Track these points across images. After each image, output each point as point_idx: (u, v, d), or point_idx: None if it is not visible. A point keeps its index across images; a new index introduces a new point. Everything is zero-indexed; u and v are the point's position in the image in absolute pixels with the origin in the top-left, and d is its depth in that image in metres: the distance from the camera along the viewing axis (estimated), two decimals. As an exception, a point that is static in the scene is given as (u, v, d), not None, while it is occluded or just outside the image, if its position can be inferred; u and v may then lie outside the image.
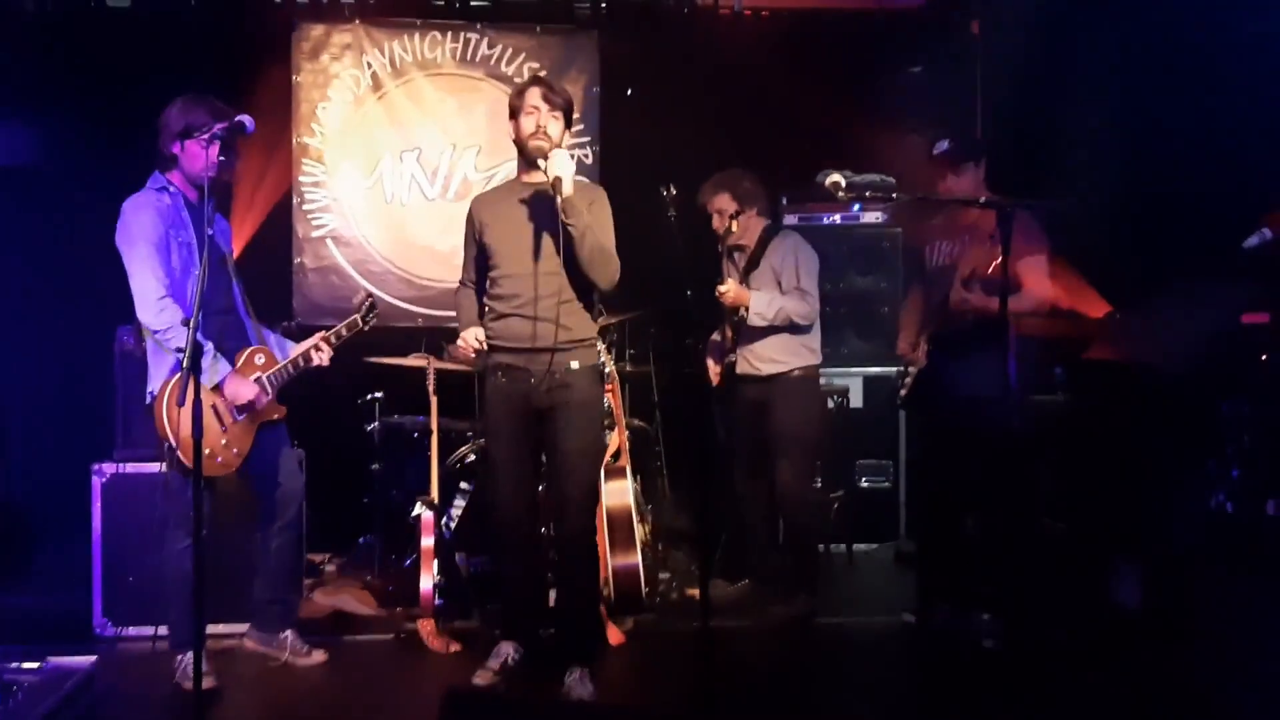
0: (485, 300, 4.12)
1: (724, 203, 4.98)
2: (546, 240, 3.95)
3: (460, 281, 4.26)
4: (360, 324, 4.31)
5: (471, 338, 3.98)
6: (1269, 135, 4.19)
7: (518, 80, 6.47)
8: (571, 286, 3.98)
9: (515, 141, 4.07)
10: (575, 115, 6.50)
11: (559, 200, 3.80)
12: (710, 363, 5.07)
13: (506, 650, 4.11)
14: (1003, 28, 6.52)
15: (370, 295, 4.43)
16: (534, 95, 3.98)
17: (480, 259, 4.12)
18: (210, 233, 3.50)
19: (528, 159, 4.03)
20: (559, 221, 3.85)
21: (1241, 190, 4.04)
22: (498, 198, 4.16)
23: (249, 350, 4.17)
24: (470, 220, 4.15)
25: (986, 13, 6.69)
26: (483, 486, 5.03)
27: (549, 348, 3.94)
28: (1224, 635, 3.35)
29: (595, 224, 3.92)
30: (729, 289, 4.86)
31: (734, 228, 4.93)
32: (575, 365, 4.00)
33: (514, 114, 4.05)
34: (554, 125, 3.98)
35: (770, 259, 4.99)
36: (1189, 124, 4.64)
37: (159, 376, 4.05)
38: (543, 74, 6.52)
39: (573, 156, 6.42)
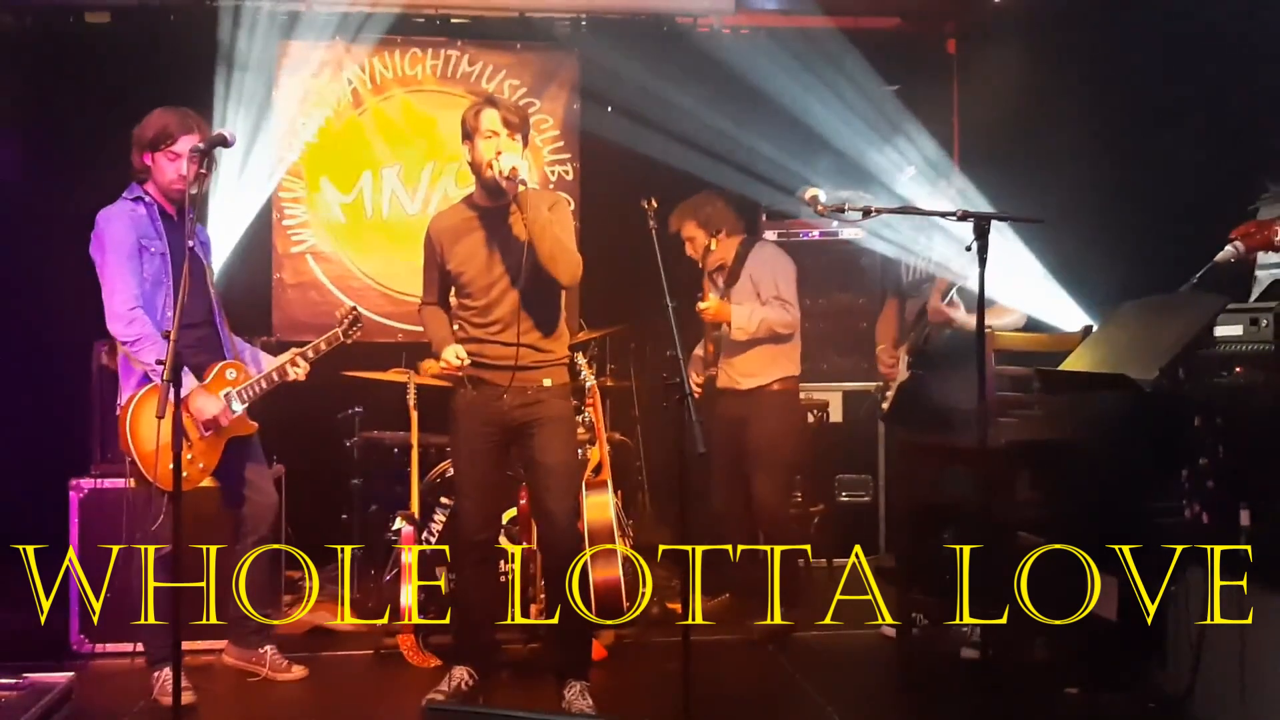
0: (456, 313, 4.09)
1: (691, 231, 5.04)
2: (512, 260, 3.92)
3: (423, 302, 4.19)
4: (341, 337, 4.29)
5: (453, 356, 3.89)
6: (1245, 149, 4.24)
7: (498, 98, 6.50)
8: (542, 306, 3.96)
9: (471, 164, 3.98)
10: (556, 132, 6.65)
11: (516, 193, 3.74)
12: (692, 375, 5.09)
13: (461, 675, 4.09)
14: (979, 46, 6.60)
15: (354, 309, 4.41)
16: (491, 118, 3.86)
17: (444, 280, 4.08)
18: (190, 244, 3.49)
19: (486, 184, 3.95)
20: (523, 235, 3.84)
21: (1216, 204, 4.10)
22: (457, 220, 4.06)
23: (221, 365, 4.16)
24: (430, 244, 4.07)
25: (962, 31, 6.77)
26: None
27: (521, 366, 3.93)
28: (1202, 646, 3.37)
29: (555, 222, 3.87)
30: (710, 305, 4.90)
31: (712, 246, 4.96)
32: (548, 383, 4.00)
33: (468, 135, 3.93)
34: (513, 149, 3.85)
35: (748, 270, 5.03)
36: (1163, 138, 4.70)
37: (126, 390, 4.05)
38: (523, 91, 6.58)
39: (552, 174, 6.61)
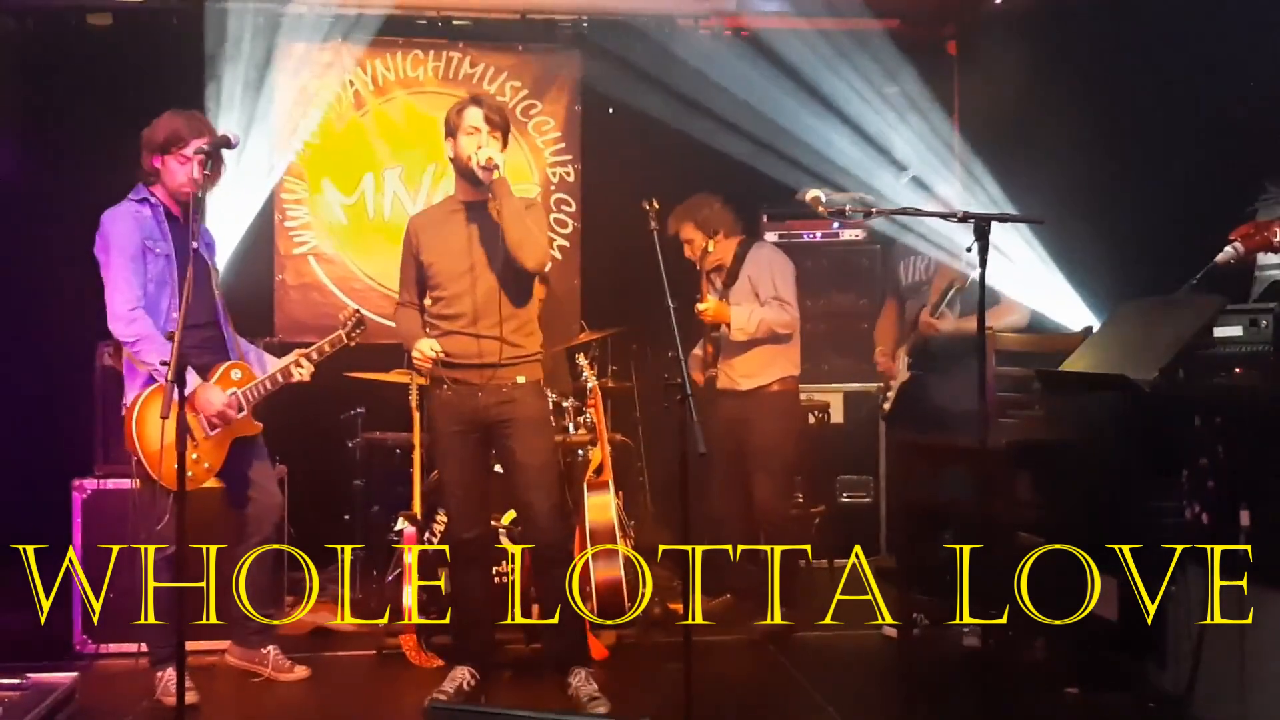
0: (427, 318, 4.13)
1: (689, 233, 5.05)
2: (487, 255, 3.97)
3: (399, 302, 4.25)
4: (345, 339, 4.31)
5: (427, 348, 3.95)
6: (1244, 150, 4.26)
7: (500, 99, 6.52)
8: (513, 302, 4.00)
9: (452, 160, 4.06)
10: (557, 134, 6.66)
11: (491, 181, 3.85)
12: (694, 373, 5.10)
13: (462, 675, 4.11)
14: (979, 47, 6.61)
15: (358, 312, 4.43)
16: (474, 115, 3.95)
17: (420, 277, 4.12)
18: (195, 246, 3.51)
19: (466, 177, 4.03)
20: (498, 233, 3.89)
21: (1215, 205, 4.11)
22: (436, 216, 4.16)
23: (225, 365, 4.17)
24: (408, 239, 4.14)
25: (963, 33, 6.78)
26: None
27: (494, 363, 3.97)
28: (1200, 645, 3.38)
29: (528, 216, 3.95)
30: (709, 305, 4.91)
31: (709, 248, 4.96)
32: (521, 380, 4.04)
33: (451, 132, 4.01)
34: (493, 145, 3.94)
35: (746, 271, 5.04)
36: (1163, 140, 4.71)
37: (132, 390, 4.06)
38: (525, 92, 6.60)
39: (554, 175, 6.62)
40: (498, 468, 4.29)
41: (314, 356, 4.25)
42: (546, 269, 4.05)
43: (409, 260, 4.15)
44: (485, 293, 3.97)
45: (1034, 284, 5.00)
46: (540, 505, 4.06)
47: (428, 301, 4.14)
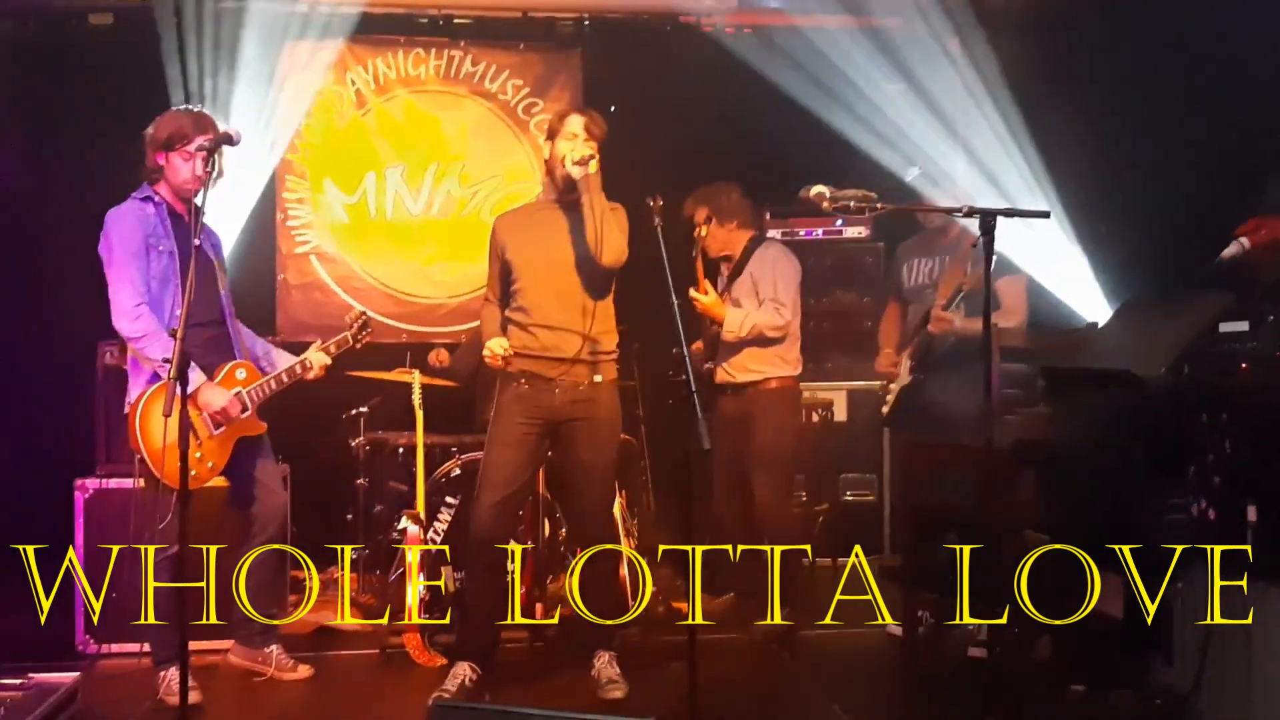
0: (509, 314, 4.18)
1: (702, 217, 5.03)
2: (570, 253, 4.05)
3: (484, 298, 4.34)
4: (350, 341, 4.33)
5: (498, 346, 4.03)
6: (1249, 150, 4.25)
7: (502, 97, 6.55)
8: (594, 299, 4.06)
9: (547, 162, 4.19)
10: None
11: (584, 176, 3.96)
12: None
13: (463, 671, 4.10)
14: (982, 43, 6.59)
15: (364, 313, 4.45)
16: (575, 123, 4.09)
17: (504, 275, 4.18)
18: (198, 244, 3.50)
19: (555, 179, 4.12)
20: (580, 230, 3.97)
21: (1221, 201, 4.10)
22: (521, 216, 4.27)
23: (230, 365, 4.15)
24: (493, 238, 4.23)
25: (965, 29, 6.76)
26: (467, 500, 5.03)
27: (574, 359, 4.03)
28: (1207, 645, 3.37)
29: (611, 215, 4.03)
30: (707, 298, 4.86)
31: (703, 232, 4.94)
32: (598, 379, 4.09)
33: (551, 135, 4.15)
34: (588, 149, 4.05)
35: (750, 267, 5.02)
36: (1167, 135, 4.70)
37: (136, 388, 4.05)
38: (526, 91, 6.59)
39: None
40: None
41: (318, 358, 4.25)
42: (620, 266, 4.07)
43: (494, 259, 4.23)
44: (565, 288, 4.05)
45: (1065, 274, 4.99)
46: (596, 499, 4.22)
47: (511, 298, 4.18)
